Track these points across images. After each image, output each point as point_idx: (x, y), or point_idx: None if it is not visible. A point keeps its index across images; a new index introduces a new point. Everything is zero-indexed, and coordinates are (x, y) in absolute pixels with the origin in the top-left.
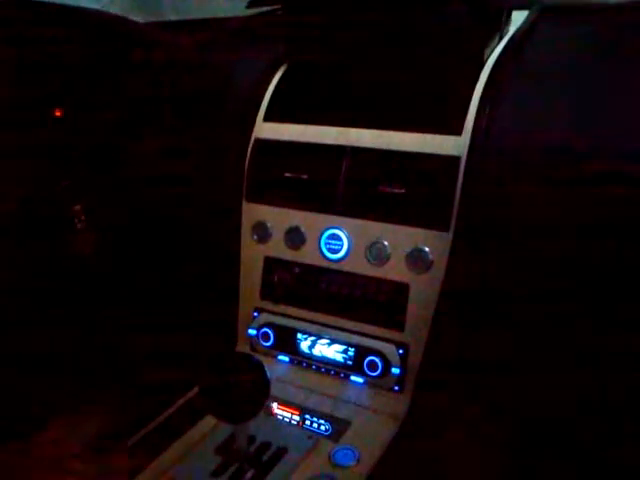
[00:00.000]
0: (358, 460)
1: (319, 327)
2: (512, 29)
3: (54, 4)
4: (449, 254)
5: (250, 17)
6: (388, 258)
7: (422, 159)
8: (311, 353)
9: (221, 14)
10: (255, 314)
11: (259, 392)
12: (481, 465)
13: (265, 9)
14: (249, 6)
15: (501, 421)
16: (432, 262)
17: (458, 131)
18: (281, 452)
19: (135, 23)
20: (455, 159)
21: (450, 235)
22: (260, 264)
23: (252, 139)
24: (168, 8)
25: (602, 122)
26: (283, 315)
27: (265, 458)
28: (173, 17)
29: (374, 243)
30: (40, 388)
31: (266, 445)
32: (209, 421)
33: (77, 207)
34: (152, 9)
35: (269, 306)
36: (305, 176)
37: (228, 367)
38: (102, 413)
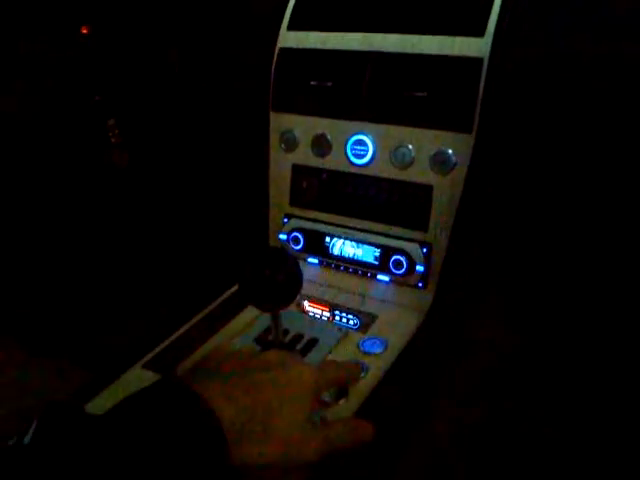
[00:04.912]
0: (385, 348)
1: (346, 230)
2: None
3: None
4: (471, 155)
5: None
6: (412, 161)
7: (445, 62)
8: (339, 254)
9: None
10: (285, 220)
11: (292, 283)
12: (497, 348)
13: None
14: None
15: (519, 316)
16: (455, 164)
17: (481, 32)
18: (313, 342)
19: None
20: (478, 60)
21: (473, 136)
22: (288, 172)
23: (277, 48)
24: None
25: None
26: (312, 220)
27: (298, 347)
28: None
29: (398, 147)
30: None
31: (299, 336)
32: (248, 314)
33: (111, 122)
34: None
35: (298, 212)
36: (330, 83)
37: (264, 260)
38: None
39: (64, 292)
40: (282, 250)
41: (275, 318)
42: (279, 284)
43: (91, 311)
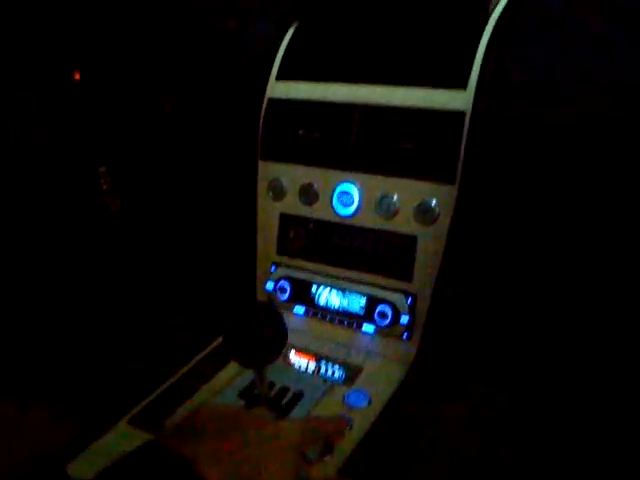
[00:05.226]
0: (369, 402)
1: (333, 279)
2: None
3: None
4: (455, 206)
5: None
6: (397, 211)
7: (429, 114)
8: (325, 304)
9: None
10: (272, 268)
11: (278, 339)
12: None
13: None
14: None
15: (505, 368)
16: (439, 214)
17: (463, 85)
18: (298, 396)
19: None
20: (460, 114)
21: (456, 188)
22: (276, 220)
23: (265, 99)
24: None
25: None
26: (299, 269)
27: (284, 402)
28: None
29: (383, 197)
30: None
31: (285, 390)
32: (233, 368)
33: (102, 169)
34: None
35: (285, 260)
36: (317, 134)
37: (249, 315)
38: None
39: (54, 339)
40: (268, 305)
41: (260, 373)
42: (263, 342)
43: (80, 359)
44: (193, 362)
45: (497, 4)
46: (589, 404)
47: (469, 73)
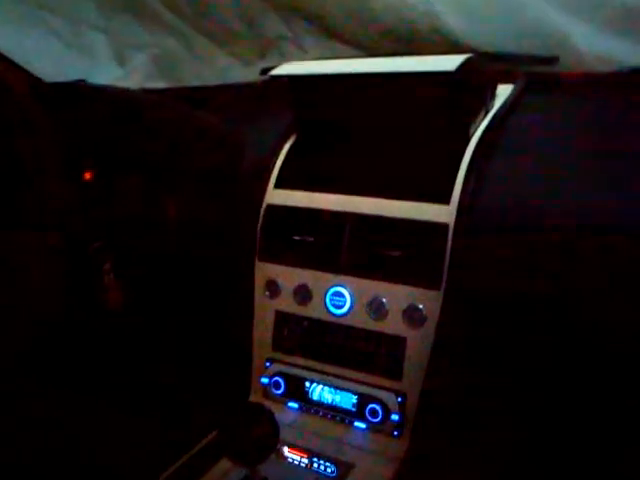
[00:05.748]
0: None
1: (325, 376)
2: (498, 102)
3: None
4: (440, 311)
5: (262, 83)
6: (386, 314)
7: (415, 225)
8: (318, 400)
9: (238, 80)
10: (267, 364)
11: (269, 439)
12: None
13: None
14: (262, 74)
15: (494, 463)
16: (426, 317)
17: (446, 201)
18: None
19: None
20: (444, 226)
21: (441, 293)
22: (272, 318)
23: (264, 204)
24: (190, 75)
25: (578, 194)
26: (293, 365)
27: None
28: (194, 83)
29: (374, 300)
30: None
31: None
32: (225, 464)
33: (107, 266)
34: (174, 76)
35: (280, 356)
36: (311, 239)
37: (242, 416)
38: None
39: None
40: (261, 406)
41: (253, 471)
42: (255, 442)
43: (76, 455)
44: (184, 458)
45: (478, 126)
46: None
47: (452, 190)
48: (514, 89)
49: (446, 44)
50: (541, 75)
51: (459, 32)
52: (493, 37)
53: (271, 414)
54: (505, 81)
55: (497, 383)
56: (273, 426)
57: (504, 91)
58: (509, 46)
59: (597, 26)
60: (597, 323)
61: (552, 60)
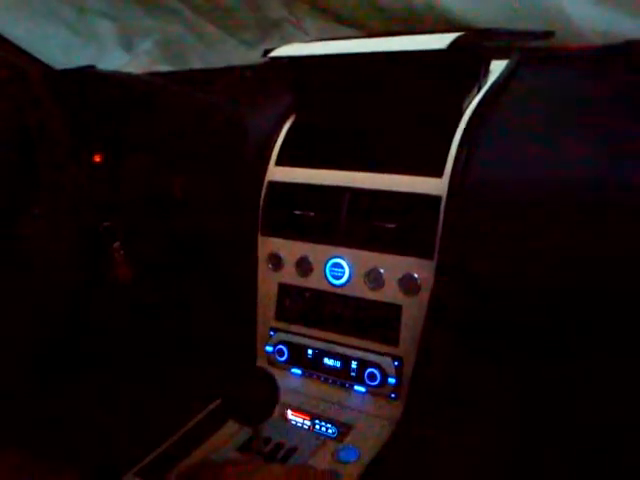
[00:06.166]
0: (359, 457)
1: (326, 344)
2: (492, 78)
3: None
4: (434, 279)
5: (264, 64)
6: (383, 283)
7: (409, 198)
8: (319, 366)
9: (242, 62)
10: (271, 333)
11: (270, 398)
12: (465, 465)
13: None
14: (264, 56)
15: (485, 428)
16: (421, 286)
17: (439, 174)
18: (292, 451)
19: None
20: (437, 198)
21: (434, 263)
22: (275, 290)
23: (265, 181)
24: (195, 59)
25: (573, 167)
26: (295, 334)
27: (278, 456)
28: (198, 66)
29: (371, 270)
30: None
31: (280, 445)
32: (231, 427)
33: (116, 244)
34: (180, 60)
35: (283, 326)
36: (312, 213)
37: (245, 379)
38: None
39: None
40: (263, 370)
41: (256, 430)
42: (256, 404)
43: (89, 420)
44: (194, 421)
45: (471, 101)
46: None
47: (444, 164)
48: (508, 64)
49: (442, 21)
50: (536, 50)
51: (455, 9)
52: (489, 13)
53: (271, 375)
54: (500, 57)
55: (488, 349)
56: (273, 386)
57: (498, 67)
58: (505, 22)
59: None
60: (591, 292)
61: (547, 34)
